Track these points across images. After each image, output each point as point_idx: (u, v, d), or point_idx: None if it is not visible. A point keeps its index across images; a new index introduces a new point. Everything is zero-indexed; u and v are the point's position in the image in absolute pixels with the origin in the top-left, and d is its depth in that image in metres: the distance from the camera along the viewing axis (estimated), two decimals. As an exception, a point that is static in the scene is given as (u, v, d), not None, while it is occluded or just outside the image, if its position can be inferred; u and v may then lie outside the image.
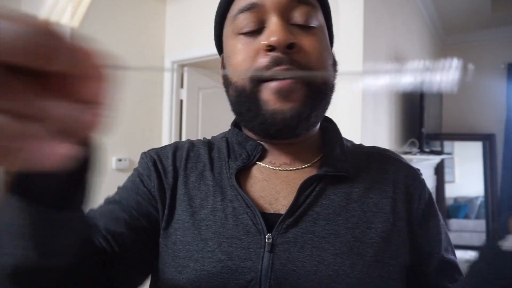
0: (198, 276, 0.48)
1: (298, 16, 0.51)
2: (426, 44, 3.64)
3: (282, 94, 0.48)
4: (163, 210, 0.55)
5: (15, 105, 0.19)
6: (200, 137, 0.66)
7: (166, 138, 2.74)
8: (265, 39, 0.49)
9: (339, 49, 2.02)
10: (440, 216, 0.57)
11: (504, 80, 3.85)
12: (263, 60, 0.49)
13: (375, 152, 0.61)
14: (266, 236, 0.48)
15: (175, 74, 2.80)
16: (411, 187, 0.56)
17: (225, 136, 0.62)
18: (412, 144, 2.62)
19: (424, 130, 2.59)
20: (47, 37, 0.18)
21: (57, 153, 0.21)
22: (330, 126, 0.62)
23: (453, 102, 3.81)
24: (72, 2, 0.21)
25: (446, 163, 3.68)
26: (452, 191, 3.92)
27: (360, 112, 1.92)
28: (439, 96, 3.40)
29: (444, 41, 4.29)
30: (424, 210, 0.56)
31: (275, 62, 0.48)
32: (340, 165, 0.54)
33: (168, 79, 2.78)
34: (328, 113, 0.59)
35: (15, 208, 0.30)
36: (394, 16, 2.58)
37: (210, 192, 0.54)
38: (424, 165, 2.79)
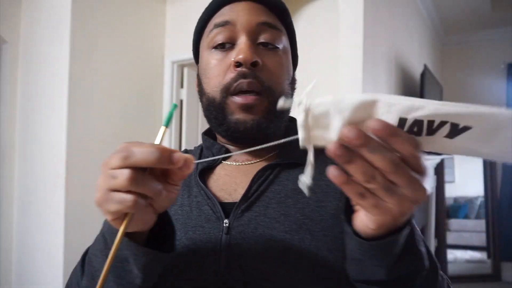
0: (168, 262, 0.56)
1: (264, 37, 0.59)
2: (426, 44, 3.65)
3: (245, 108, 0.57)
4: None
5: (149, 191, 0.37)
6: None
7: (166, 138, 2.73)
8: (234, 56, 0.57)
9: (339, 49, 2.03)
10: None
11: (504, 80, 3.85)
12: (231, 74, 0.58)
13: None
14: (224, 221, 0.55)
15: (175, 74, 2.80)
16: None
17: (201, 144, 0.72)
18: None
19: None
20: (164, 154, 0.37)
21: (151, 218, 0.40)
22: (291, 125, 0.66)
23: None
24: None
25: (446, 163, 3.68)
26: (452, 191, 3.93)
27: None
28: (439, 96, 3.40)
29: (444, 41, 4.29)
30: None
31: (241, 75, 0.57)
32: (292, 154, 0.60)
33: (168, 79, 2.78)
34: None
35: (132, 249, 0.43)
36: (394, 16, 2.58)
37: (179, 192, 0.59)
38: (424, 165, 2.78)
